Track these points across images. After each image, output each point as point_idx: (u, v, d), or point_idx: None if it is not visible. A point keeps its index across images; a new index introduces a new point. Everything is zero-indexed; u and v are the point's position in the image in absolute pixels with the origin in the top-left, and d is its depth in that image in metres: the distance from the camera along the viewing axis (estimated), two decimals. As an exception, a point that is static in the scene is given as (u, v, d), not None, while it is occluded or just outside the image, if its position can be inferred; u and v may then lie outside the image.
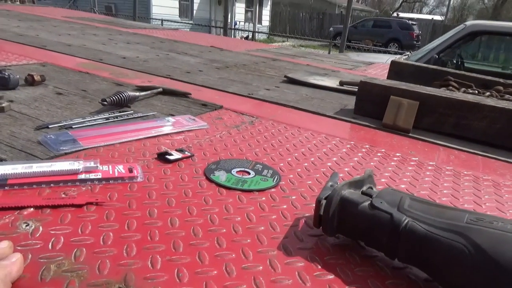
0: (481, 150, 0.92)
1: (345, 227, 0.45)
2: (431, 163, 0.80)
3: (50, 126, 0.73)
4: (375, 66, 2.30)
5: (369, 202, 0.44)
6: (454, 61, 4.29)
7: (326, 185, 0.48)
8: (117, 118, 0.82)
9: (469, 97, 1.04)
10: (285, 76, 1.51)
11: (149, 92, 1.02)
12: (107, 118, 0.81)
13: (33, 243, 0.40)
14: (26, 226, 0.43)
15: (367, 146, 0.85)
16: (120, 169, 0.57)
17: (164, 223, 0.47)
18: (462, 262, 0.36)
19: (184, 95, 1.07)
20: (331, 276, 0.41)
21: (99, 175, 0.55)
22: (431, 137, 0.98)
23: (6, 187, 0.50)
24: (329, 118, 1.06)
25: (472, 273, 0.35)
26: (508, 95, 1.28)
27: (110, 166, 0.58)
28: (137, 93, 0.96)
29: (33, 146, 0.64)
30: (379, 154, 0.81)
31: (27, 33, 1.86)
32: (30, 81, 0.99)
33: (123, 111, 0.87)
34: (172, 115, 0.88)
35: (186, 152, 0.68)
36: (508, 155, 0.90)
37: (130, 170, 0.57)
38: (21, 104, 0.85)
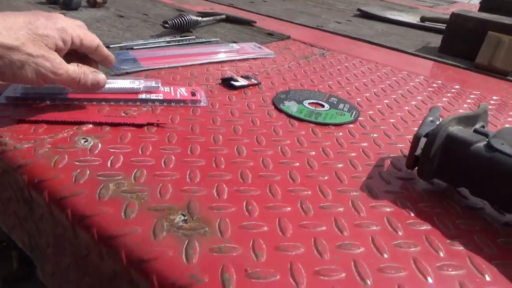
0: None
1: (448, 171, 0.37)
2: (539, 111, 0.67)
3: (111, 46, 0.69)
4: (459, 4, 2.02)
5: (486, 142, 0.35)
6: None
7: (425, 120, 0.39)
8: (178, 42, 0.76)
9: None
10: (358, 10, 1.35)
11: (211, 18, 0.94)
12: (168, 42, 0.75)
13: (92, 159, 0.37)
14: (85, 142, 0.40)
15: (457, 86, 0.73)
16: (182, 92, 0.52)
17: (230, 151, 0.42)
18: None
19: (249, 23, 0.98)
20: (428, 227, 0.34)
21: (161, 96, 0.50)
22: (534, 81, 0.82)
23: (66, 102, 0.47)
24: (410, 55, 0.93)
25: None
26: None
27: (172, 88, 0.53)
28: (199, 18, 0.89)
29: (93, 64, 0.60)
30: (472, 96, 0.69)
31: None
32: (92, 3, 0.95)
33: (184, 36, 0.81)
34: (236, 42, 0.81)
35: (253, 80, 0.61)
36: None
37: (193, 94, 0.52)
38: (83, 24, 0.82)
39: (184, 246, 0.28)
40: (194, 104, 0.50)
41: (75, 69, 0.42)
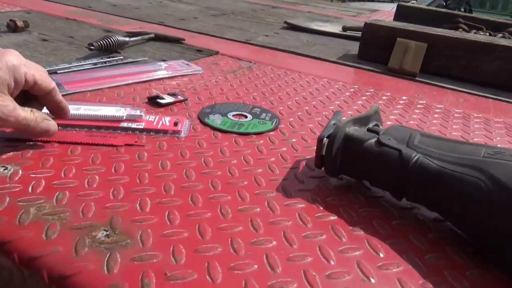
0: (492, 93, 0.87)
1: (350, 166, 0.42)
2: (439, 106, 0.75)
3: (33, 72, 0.68)
4: (381, 13, 2.19)
5: (376, 139, 0.40)
6: (462, 9, 4.12)
7: (329, 124, 0.44)
8: (105, 63, 0.77)
9: (481, 38, 0.98)
10: (285, 22, 1.43)
11: (139, 37, 0.96)
12: (94, 64, 0.76)
13: (12, 186, 0.37)
14: (4, 170, 0.40)
15: (371, 90, 0.81)
16: (165, 121, 0.53)
17: (154, 166, 0.44)
18: (477, 198, 0.33)
19: (178, 40, 1.01)
20: (334, 217, 0.39)
21: (142, 125, 0.51)
22: (439, 81, 0.93)
23: None
24: (331, 63, 1.01)
25: (488, 207, 0.32)
26: (521, 37, 1.21)
27: (156, 117, 0.54)
28: (127, 39, 0.90)
29: (14, 91, 0.60)
30: (384, 97, 0.77)
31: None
32: (13, 27, 0.93)
33: (112, 57, 0.81)
34: (165, 60, 0.83)
35: (179, 96, 0.64)
36: (520, 98, 0.85)
37: (176, 124, 0.53)
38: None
39: (106, 259, 0.30)
40: (174, 134, 0.51)
41: (26, 116, 0.40)
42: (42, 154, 0.43)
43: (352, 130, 0.41)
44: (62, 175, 0.40)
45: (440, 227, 0.39)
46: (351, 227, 0.37)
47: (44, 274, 0.29)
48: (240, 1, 2.00)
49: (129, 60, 0.81)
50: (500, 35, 1.17)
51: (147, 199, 0.38)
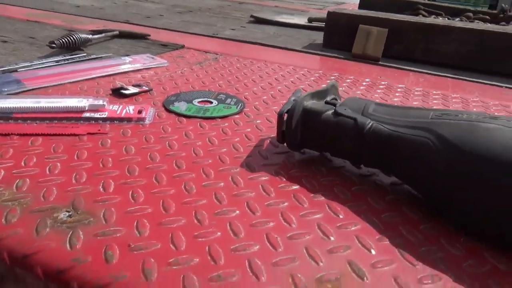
0: (451, 73, 0.91)
1: (310, 139, 0.43)
2: (400, 86, 0.78)
3: (-8, 71, 0.67)
4: (346, 5, 2.23)
5: (333, 110, 0.41)
6: None
7: (289, 100, 0.45)
8: (68, 60, 0.76)
9: (438, 21, 1.01)
10: (252, 16, 1.44)
11: (103, 35, 0.95)
12: (57, 61, 0.75)
13: (-30, 177, 0.37)
14: (-38, 162, 0.39)
15: (336, 74, 0.83)
16: (129, 110, 0.53)
17: (118, 151, 0.44)
18: (427, 155, 0.34)
19: (143, 37, 1.00)
20: (296, 187, 0.40)
21: (105, 114, 0.51)
22: (401, 64, 0.96)
23: (10, 121, 0.47)
24: (297, 52, 1.02)
25: (435, 162, 0.34)
26: (477, 20, 1.26)
27: (120, 106, 0.54)
28: (90, 36, 0.89)
29: (-28, 90, 0.58)
30: (348, 80, 0.79)
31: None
32: (-30, 30, 0.90)
33: (74, 54, 0.80)
34: (129, 55, 0.83)
35: (144, 87, 0.64)
36: (478, 76, 0.89)
37: (140, 112, 0.53)
38: (-40, 52, 0.78)
39: (68, 237, 0.30)
40: (139, 122, 0.51)
41: None
42: (0, 147, 0.43)
43: (310, 103, 0.43)
44: (22, 164, 0.40)
45: (397, 190, 0.40)
46: (312, 194, 0.39)
47: (4, 256, 0.29)
48: (207, -1, 2.01)
49: (93, 56, 0.80)
50: (458, 19, 1.22)
51: (110, 181, 0.38)
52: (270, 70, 0.82)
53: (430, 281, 0.29)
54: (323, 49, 1.06)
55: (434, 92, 0.76)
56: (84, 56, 0.80)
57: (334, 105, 0.42)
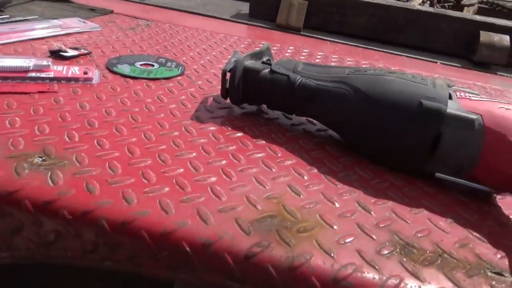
0: (361, 43, 1.04)
1: (250, 94, 0.50)
2: (320, 53, 0.88)
3: None
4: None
5: (269, 68, 0.49)
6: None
7: (230, 61, 0.52)
8: (-9, 22, 0.73)
9: (350, -4, 1.13)
10: (177, -16, 1.44)
11: (24, -4, 0.90)
12: (-22, 22, 0.71)
13: None
14: None
15: (263, 42, 0.90)
16: (75, 70, 0.53)
17: (73, 107, 0.47)
18: (344, 103, 0.44)
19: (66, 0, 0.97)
20: (240, 134, 0.47)
21: (51, 74, 0.51)
22: (320, 34, 1.06)
23: None
24: (225, 21, 1.07)
25: (351, 108, 0.43)
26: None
27: (65, 67, 0.54)
28: (10, -4, 0.84)
29: None
30: (275, 48, 0.87)
31: None
32: None
33: (-3, 15, 0.77)
34: (57, 19, 0.81)
35: (83, 50, 0.65)
36: (383, 47, 1.03)
37: (86, 72, 0.54)
38: None
39: (48, 175, 0.34)
40: (86, 82, 0.52)
41: None
42: (-50, 103, 0.43)
43: (250, 63, 0.50)
44: (-20, 119, 0.41)
45: (321, 135, 0.50)
46: (255, 139, 0.46)
47: (26, 205, 0.32)
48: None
49: (18, 18, 0.77)
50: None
51: (74, 132, 0.42)
52: (203, 37, 0.86)
53: (348, 195, 0.39)
54: (249, 18, 1.13)
55: (348, 59, 0.87)
56: (7, 18, 0.76)
57: (270, 64, 0.50)
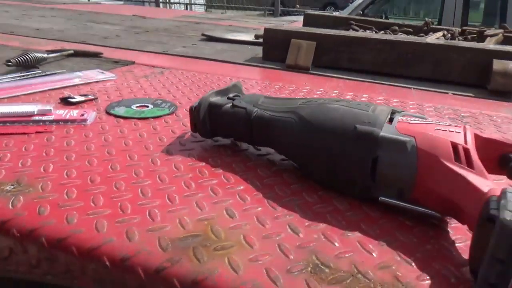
0: (370, 78, 1.05)
1: (217, 128, 0.54)
2: (320, 89, 0.91)
3: (-47, 87, 0.75)
4: (298, 23, 2.40)
5: (231, 103, 0.53)
6: (379, 16, 4.51)
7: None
8: (24, 76, 0.85)
9: (359, 34, 1.16)
10: (203, 34, 1.56)
11: (58, 54, 1.04)
12: (13, 78, 0.84)
13: None
14: None
15: (267, 82, 0.95)
16: (73, 114, 0.62)
17: (60, 144, 0.54)
18: (290, 131, 0.46)
19: (96, 55, 1.10)
20: (202, 164, 0.50)
21: (52, 117, 0.60)
22: (329, 72, 1.09)
23: None
24: (237, 64, 1.15)
25: (296, 135, 0.45)
26: (401, 33, 1.42)
27: (65, 111, 0.64)
28: (46, 55, 0.98)
29: None
30: (276, 86, 0.91)
31: None
32: None
33: (30, 71, 0.89)
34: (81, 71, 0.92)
35: (90, 96, 0.74)
36: (394, 80, 1.03)
37: (82, 115, 0.62)
38: None
39: (11, 200, 0.40)
40: (81, 123, 0.61)
41: None
42: (-40, 143, 0.52)
43: (215, 99, 0.54)
44: (-22, 155, 0.49)
45: (284, 164, 0.52)
46: (213, 168, 0.49)
47: (-39, 215, 0.38)
48: (166, 20, 2.13)
49: (48, 72, 0.89)
50: (382, 32, 1.38)
51: (50, 164, 0.48)
52: (209, 80, 0.93)
53: (283, 218, 0.40)
54: (263, 61, 1.19)
55: (348, 93, 0.89)
56: (39, 73, 0.89)
57: (233, 99, 0.54)
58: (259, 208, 0.41)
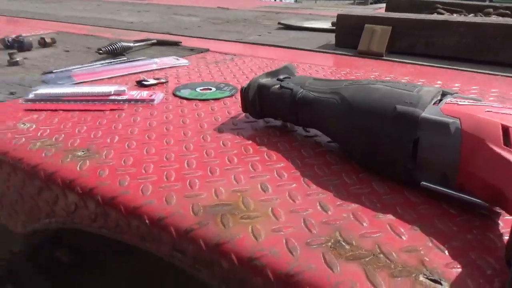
0: (448, 64, 0.97)
1: (265, 108, 0.56)
2: (389, 75, 0.87)
3: (54, 71, 0.87)
4: (381, 9, 2.28)
5: (279, 84, 0.54)
6: None
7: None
8: (111, 63, 0.96)
9: (440, 17, 1.08)
10: (279, 23, 1.58)
11: (143, 43, 1.14)
12: (102, 64, 0.94)
13: (28, 133, 0.55)
14: (24, 125, 0.58)
15: (334, 68, 0.93)
16: (143, 94, 0.70)
17: (128, 120, 0.60)
18: (333, 110, 0.46)
19: (175, 44, 1.18)
20: (248, 142, 0.53)
21: (126, 97, 0.68)
22: (403, 58, 1.03)
23: (59, 102, 0.67)
24: (307, 51, 1.14)
25: (337, 116, 0.45)
26: (496, 16, 1.28)
27: (137, 92, 0.71)
28: (131, 44, 1.08)
29: (38, 84, 0.79)
30: (342, 72, 0.89)
31: (45, 12, 2.03)
32: (43, 43, 1.15)
33: (117, 58, 1.00)
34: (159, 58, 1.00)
35: (161, 80, 0.80)
36: (476, 67, 0.94)
37: (151, 95, 0.70)
38: (34, 60, 1.01)
39: (79, 164, 0.46)
40: (149, 102, 0.68)
41: None
42: (50, 116, 0.61)
43: (264, 80, 0.56)
44: (62, 127, 0.57)
45: (330, 146, 0.51)
46: (258, 146, 0.51)
47: (41, 174, 0.45)
48: (247, 11, 2.18)
49: (131, 59, 0.99)
50: (472, 15, 1.25)
51: (116, 136, 0.54)
52: (275, 66, 0.95)
53: (314, 196, 0.40)
54: (335, 48, 1.17)
55: (420, 80, 0.83)
56: (124, 60, 0.99)
57: (282, 80, 0.55)
58: (293, 185, 0.42)
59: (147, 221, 0.37)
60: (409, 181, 0.41)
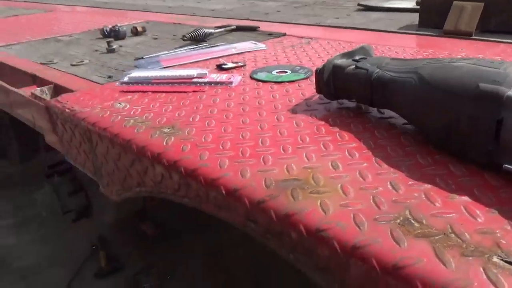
0: (552, 42, 0.87)
1: (340, 90, 0.56)
2: (479, 55, 0.80)
3: (144, 57, 0.96)
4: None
5: (354, 65, 0.53)
6: None
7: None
8: (194, 49, 1.02)
9: (545, -11, 0.96)
10: (359, 4, 1.53)
11: (223, 29, 1.19)
12: (186, 49, 1.01)
13: (123, 110, 0.62)
14: (119, 104, 0.65)
15: (416, 49, 0.89)
16: (222, 77, 0.75)
17: (207, 101, 0.64)
18: (409, 89, 0.45)
19: (254, 29, 1.21)
20: (321, 122, 0.53)
21: (206, 79, 0.74)
22: (498, 37, 0.94)
23: (149, 84, 0.74)
24: (388, 32, 1.10)
25: (413, 95, 0.44)
26: None
27: (217, 75, 0.77)
28: (212, 30, 1.14)
29: (131, 68, 0.87)
30: (425, 53, 0.85)
31: (136, 3, 2.20)
32: (135, 32, 1.25)
33: (200, 44, 1.06)
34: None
35: (240, 63, 0.84)
36: None
37: (229, 78, 0.75)
38: (128, 47, 1.11)
39: (165, 139, 0.51)
40: (228, 85, 0.73)
41: None
42: (141, 97, 0.68)
43: (340, 61, 0.56)
44: (151, 106, 0.63)
45: (405, 128, 0.50)
46: (331, 127, 0.52)
47: (134, 148, 0.51)
48: (326, -7, 2.14)
49: (212, 45, 1.04)
50: None
51: (198, 115, 0.58)
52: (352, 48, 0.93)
53: (385, 175, 0.40)
54: (418, 29, 1.11)
55: (498, 58, 0.76)
56: (206, 46, 1.04)
57: (358, 61, 0.54)
58: (364, 164, 0.43)
59: (223, 192, 0.41)
60: (490, 164, 0.39)
